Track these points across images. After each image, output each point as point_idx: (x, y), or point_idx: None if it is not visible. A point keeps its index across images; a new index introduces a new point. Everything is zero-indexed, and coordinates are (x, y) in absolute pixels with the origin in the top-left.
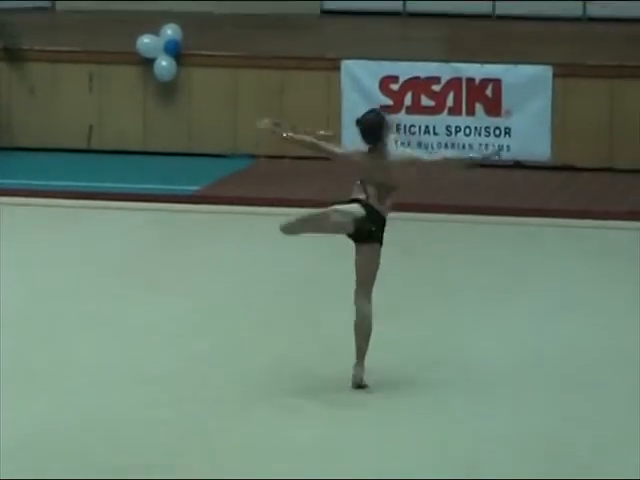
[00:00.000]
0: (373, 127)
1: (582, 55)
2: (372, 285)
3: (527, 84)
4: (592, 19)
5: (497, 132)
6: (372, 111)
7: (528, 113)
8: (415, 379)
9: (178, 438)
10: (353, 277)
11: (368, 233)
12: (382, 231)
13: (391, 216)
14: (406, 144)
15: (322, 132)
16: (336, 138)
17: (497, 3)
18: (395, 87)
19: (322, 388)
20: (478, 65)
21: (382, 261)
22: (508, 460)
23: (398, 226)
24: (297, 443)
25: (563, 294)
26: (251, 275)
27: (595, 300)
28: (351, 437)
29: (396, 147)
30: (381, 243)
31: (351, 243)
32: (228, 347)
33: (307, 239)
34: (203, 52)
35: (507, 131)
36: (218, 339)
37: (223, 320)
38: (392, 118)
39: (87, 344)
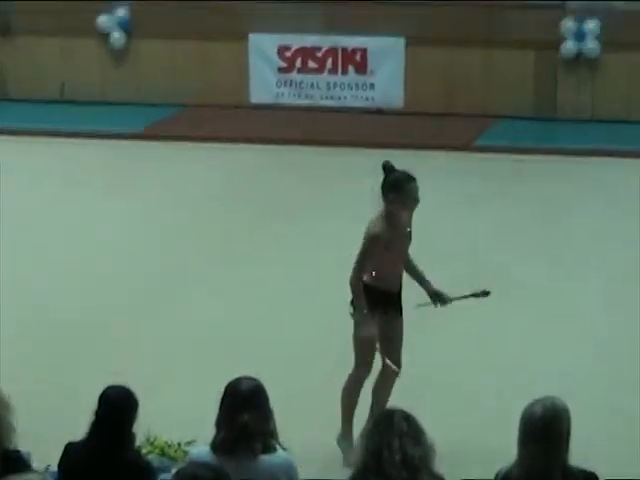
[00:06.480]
0: None
1: (427, 29)
2: None
3: (386, 51)
4: None
5: (364, 87)
6: None
7: (387, 72)
8: None
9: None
10: None
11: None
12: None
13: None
14: (297, 95)
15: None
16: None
17: None
18: (288, 54)
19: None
20: (349, 37)
21: None
22: None
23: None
24: None
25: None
26: (189, 191)
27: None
28: None
29: None
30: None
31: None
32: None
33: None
34: (149, 28)
35: (372, 86)
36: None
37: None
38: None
39: None
